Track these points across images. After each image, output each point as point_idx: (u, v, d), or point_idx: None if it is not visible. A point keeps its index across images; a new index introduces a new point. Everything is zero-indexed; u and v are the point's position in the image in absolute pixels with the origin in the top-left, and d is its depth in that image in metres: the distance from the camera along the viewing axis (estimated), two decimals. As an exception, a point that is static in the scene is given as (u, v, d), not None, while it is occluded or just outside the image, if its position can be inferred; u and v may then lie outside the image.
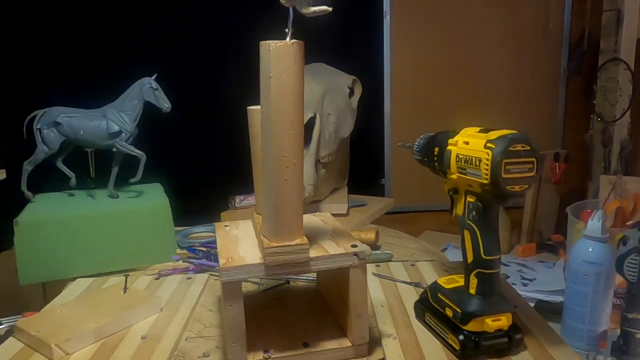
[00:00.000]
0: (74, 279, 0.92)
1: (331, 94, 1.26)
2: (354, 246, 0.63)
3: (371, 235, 1.03)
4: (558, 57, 1.96)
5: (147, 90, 0.97)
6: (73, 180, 1.02)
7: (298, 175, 0.58)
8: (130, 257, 0.95)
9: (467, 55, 1.91)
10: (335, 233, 0.68)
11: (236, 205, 1.33)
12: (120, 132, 0.97)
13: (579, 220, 1.04)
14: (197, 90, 1.66)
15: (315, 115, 1.15)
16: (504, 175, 0.55)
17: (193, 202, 1.70)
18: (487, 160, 0.55)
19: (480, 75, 1.93)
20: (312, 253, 0.60)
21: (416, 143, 0.74)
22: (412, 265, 0.95)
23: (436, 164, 0.67)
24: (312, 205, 1.21)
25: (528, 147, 0.56)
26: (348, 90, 1.34)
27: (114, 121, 0.96)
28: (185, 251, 1.02)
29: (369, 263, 0.92)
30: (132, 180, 0.99)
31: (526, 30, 1.92)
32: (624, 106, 1.52)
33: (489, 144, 0.56)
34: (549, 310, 1.02)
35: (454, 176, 0.63)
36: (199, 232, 1.17)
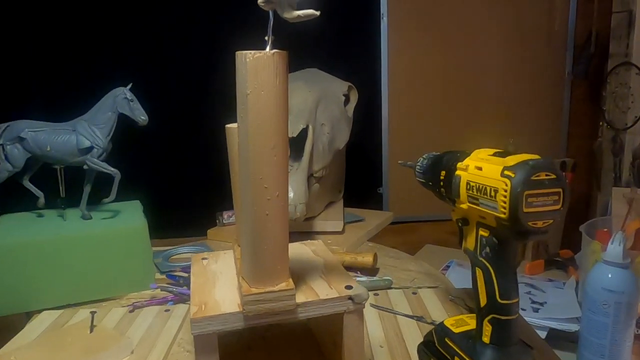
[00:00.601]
0: (39, 311, 0.83)
1: (325, 103, 1.17)
2: (348, 287, 0.54)
3: (369, 259, 0.94)
4: (562, 60, 1.88)
5: (122, 101, 0.89)
6: (42, 200, 0.93)
7: (282, 209, 0.49)
8: (102, 285, 0.87)
9: (468, 58, 1.83)
10: (327, 269, 0.60)
11: (224, 221, 1.24)
12: (91, 147, 0.88)
13: (594, 240, 0.96)
14: (178, 100, 1.56)
15: (307, 126, 1.07)
16: (525, 209, 0.46)
17: (178, 219, 1.62)
18: (505, 191, 0.47)
19: (481, 79, 1.85)
20: (300, 297, 0.51)
21: (419, 163, 0.66)
22: (413, 293, 0.87)
23: (442, 189, 0.58)
24: (305, 222, 1.12)
25: (553, 176, 0.47)
26: (343, 98, 1.25)
27: (84, 136, 0.87)
28: (165, 277, 0.93)
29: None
30: (106, 200, 0.90)
31: (529, 32, 1.85)
32: (636, 113, 1.44)
33: (506, 172, 0.47)
34: (563, 338, 0.94)
35: (463, 206, 0.54)
36: (183, 253, 1.08)
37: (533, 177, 0.46)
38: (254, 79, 0.45)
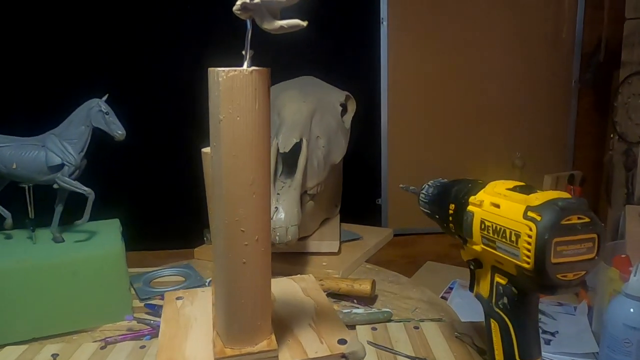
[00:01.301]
0: (1, 346, 0.75)
1: (321, 113, 1.10)
2: (342, 342, 0.46)
3: (366, 287, 0.86)
4: (569, 68, 1.81)
5: (96, 114, 0.81)
6: (9, 221, 0.85)
7: (263, 256, 0.41)
8: (73, 317, 0.79)
9: (470, 65, 1.76)
10: (318, 315, 0.52)
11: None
12: (62, 165, 0.80)
13: (611, 267, 0.88)
14: (159, 111, 1.47)
15: (301, 140, 0.99)
16: (553, 260, 0.39)
17: (162, 237, 1.54)
18: (530, 237, 0.39)
19: (484, 87, 1.78)
20: (285, 355, 0.44)
21: (423, 191, 0.58)
22: (415, 328, 0.79)
23: (451, 225, 0.51)
24: (298, 243, 1.04)
25: (587, 219, 0.39)
26: (340, 109, 1.17)
27: (54, 152, 0.79)
28: (144, 305, 0.85)
29: (363, 324, 0.76)
30: (79, 222, 0.82)
31: (534, 39, 1.77)
32: (650, 125, 1.37)
33: (531, 213, 0.40)
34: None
35: (477, 247, 0.46)
36: (166, 276, 1.00)
37: (563, 222, 0.39)
38: (228, 102, 0.37)
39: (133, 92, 1.34)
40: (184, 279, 0.98)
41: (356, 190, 1.46)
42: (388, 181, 1.85)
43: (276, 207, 0.89)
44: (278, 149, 0.96)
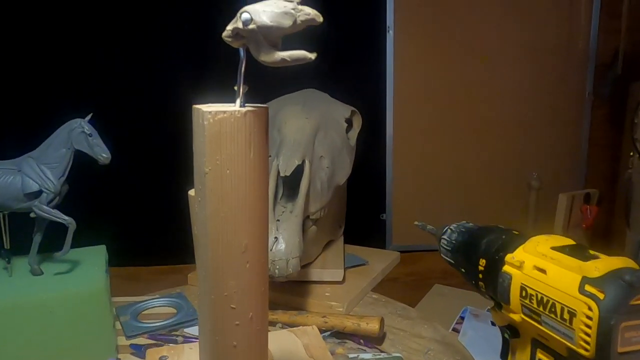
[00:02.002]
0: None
1: (324, 131, 1.02)
2: None
3: (374, 326, 0.78)
4: (582, 80, 1.73)
5: (78, 135, 0.73)
6: (-18, 251, 0.77)
7: (258, 336, 0.34)
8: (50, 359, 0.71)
9: (480, 76, 1.68)
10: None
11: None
12: (39, 191, 0.72)
13: None
14: (147, 130, 1.37)
15: (304, 162, 0.91)
16: (620, 349, 0.31)
17: (156, 253, 1.46)
18: (589, 318, 0.31)
19: (494, 100, 1.70)
20: None
21: (445, 236, 0.50)
22: (429, 376, 0.71)
23: (481, 284, 0.43)
24: (300, 271, 0.97)
25: (661, 297, 0.32)
26: (345, 125, 1.10)
27: (31, 177, 0.72)
28: (129, 345, 0.78)
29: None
30: (58, 255, 0.74)
31: (546, 48, 1.70)
32: (673, 144, 1.30)
33: (590, 288, 0.32)
34: None
35: (515, 316, 0.39)
36: (155, 307, 0.93)
37: (633, 301, 0.31)
38: (216, 151, 0.29)
39: (119, 110, 1.24)
40: (175, 311, 0.90)
41: (360, 205, 1.38)
42: (392, 195, 1.77)
43: (276, 237, 0.81)
44: (278, 172, 0.88)
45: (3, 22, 1.21)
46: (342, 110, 1.11)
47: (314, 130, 0.99)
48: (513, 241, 0.41)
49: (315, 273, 0.99)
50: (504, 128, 1.70)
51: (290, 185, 0.93)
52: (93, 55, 1.26)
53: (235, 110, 0.30)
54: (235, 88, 0.30)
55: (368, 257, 1.15)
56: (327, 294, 0.95)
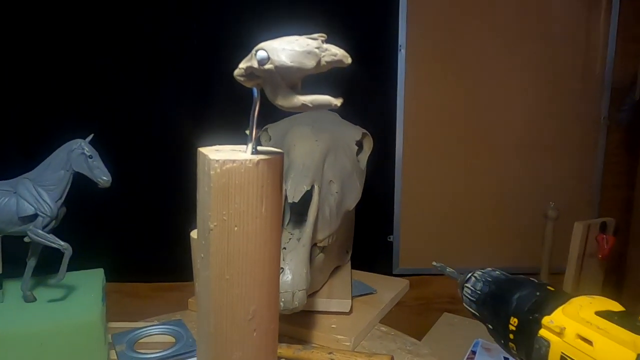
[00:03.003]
0: None
1: (334, 154, 0.99)
2: None
3: (384, 366, 0.74)
4: (598, 104, 1.69)
5: (78, 157, 0.70)
6: (-26, 275, 0.73)
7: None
8: (39, 395, 0.67)
9: (493, 98, 1.65)
10: None
11: None
12: (35, 215, 0.69)
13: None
14: (149, 151, 1.32)
15: (312, 187, 0.87)
16: None
17: (154, 277, 1.42)
18: (648, 406, 0.27)
19: (507, 123, 1.66)
20: None
21: (469, 284, 0.46)
22: None
23: (512, 345, 0.39)
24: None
25: None
26: (356, 148, 1.06)
27: (27, 200, 0.68)
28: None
29: None
30: (53, 282, 0.70)
31: (561, 71, 1.66)
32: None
33: (649, 371, 0.28)
34: None
35: (553, 388, 0.34)
36: (153, 335, 0.88)
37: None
38: (222, 205, 0.26)
39: (120, 130, 1.19)
40: (174, 340, 0.86)
41: (367, 227, 1.34)
42: (400, 218, 1.73)
43: (282, 268, 0.77)
44: (286, 198, 0.84)
45: (4, 40, 1.17)
46: (353, 133, 1.08)
47: (324, 153, 0.95)
48: (549, 300, 0.36)
49: (322, 303, 0.95)
50: (517, 152, 1.66)
51: (297, 210, 0.89)
52: (96, 73, 1.22)
53: (246, 159, 0.26)
54: (247, 132, 0.27)
55: (376, 285, 1.11)
56: (333, 325, 0.91)
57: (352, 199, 1.00)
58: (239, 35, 1.29)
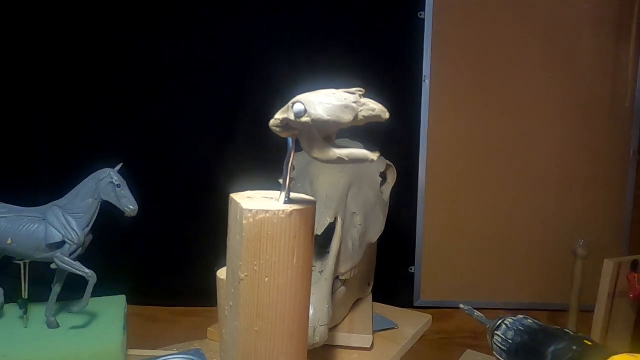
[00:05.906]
0: None
1: (358, 186, 0.98)
2: None
3: (406, 408, 0.71)
4: (627, 137, 1.65)
5: (106, 186, 0.71)
6: (0, 299, 0.75)
7: None
8: None
9: (519, 130, 1.62)
10: None
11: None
12: (62, 242, 0.70)
13: None
14: (177, 179, 1.32)
15: (336, 219, 0.87)
16: None
17: (175, 301, 1.42)
18: None
19: (533, 156, 1.63)
20: None
21: (500, 331, 0.44)
22: None
23: (547, 401, 0.37)
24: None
25: None
26: (380, 180, 1.06)
27: (55, 227, 0.70)
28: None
29: None
30: (76, 309, 0.71)
31: (589, 104, 1.63)
32: None
33: None
34: None
35: None
36: (172, 365, 0.88)
37: None
38: (254, 255, 0.25)
39: (148, 160, 1.19)
40: (193, 368, 0.85)
41: (388, 258, 1.32)
42: (423, 250, 1.70)
43: (303, 302, 0.76)
44: (309, 230, 0.84)
45: (37, 70, 1.20)
46: (377, 164, 1.07)
47: (347, 185, 0.95)
48: (588, 356, 0.35)
49: (343, 338, 0.93)
50: (543, 186, 1.62)
51: (320, 242, 0.88)
52: (125, 104, 1.24)
53: (279, 210, 0.26)
54: (280, 181, 0.26)
55: (398, 319, 1.09)
56: (353, 362, 0.89)
57: (375, 232, 0.99)
58: (267, 70, 1.29)
